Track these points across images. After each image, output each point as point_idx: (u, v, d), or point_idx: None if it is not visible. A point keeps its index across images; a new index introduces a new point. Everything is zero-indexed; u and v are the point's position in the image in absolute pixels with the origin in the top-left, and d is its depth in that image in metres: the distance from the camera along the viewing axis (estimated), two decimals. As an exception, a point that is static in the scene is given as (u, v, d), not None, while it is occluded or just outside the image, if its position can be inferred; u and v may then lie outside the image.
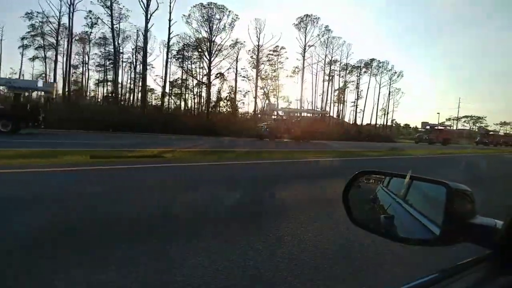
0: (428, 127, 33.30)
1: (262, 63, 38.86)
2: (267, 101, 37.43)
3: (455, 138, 40.14)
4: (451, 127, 33.21)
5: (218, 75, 35.50)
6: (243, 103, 40.89)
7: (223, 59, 34.82)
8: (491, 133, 41.31)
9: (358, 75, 46.02)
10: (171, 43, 32.36)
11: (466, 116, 58.80)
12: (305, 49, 38.32)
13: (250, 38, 43.64)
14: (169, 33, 30.35)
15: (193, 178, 5.01)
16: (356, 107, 46.51)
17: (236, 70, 36.93)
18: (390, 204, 0.62)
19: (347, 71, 45.10)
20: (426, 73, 76.61)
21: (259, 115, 33.68)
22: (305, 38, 38.29)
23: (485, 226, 0.47)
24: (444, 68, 76.76)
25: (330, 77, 43.34)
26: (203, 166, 6.12)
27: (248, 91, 39.69)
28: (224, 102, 38.26)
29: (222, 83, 37.77)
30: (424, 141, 30.22)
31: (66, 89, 31.06)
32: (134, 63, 36.75)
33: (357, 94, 46.74)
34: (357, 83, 46.36)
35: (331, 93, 44.17)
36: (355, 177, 0.69)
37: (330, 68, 43.02)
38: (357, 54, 54.96)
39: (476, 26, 73.18)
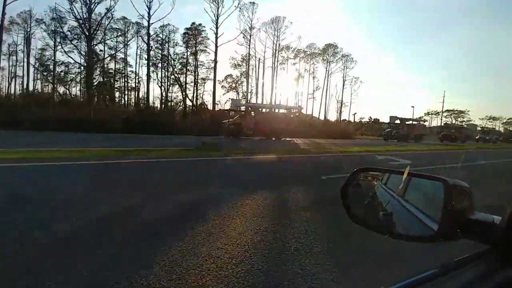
0: (279, 110, 21.25)
1: (173, 43, 32.62)
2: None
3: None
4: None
5: (93, 55, 29.13)
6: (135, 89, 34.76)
7: (115, 37, 29.78)
8: (409, 123, 27.27)
9: (309, 60, 40.13)
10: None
11: (448, 111, 54.49)
12: (217, 24, 30.24)
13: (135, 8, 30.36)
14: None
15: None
16: (313, 99, 42.05)
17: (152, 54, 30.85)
18: (389, 201, 0.62)
19: (300, 58, 39.56)
20: (409, 69, 74.72)
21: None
22: (218, 10, 30.14)
23: (484, 222, 0.48)
24: (428, 64, 74.98)
25: (278, 65, 37.41)
26: None
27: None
28: (106, 90, 33.22)
29: (100, 65, 31.66)
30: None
31: None
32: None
33: (313, 83, 41.46)
34: (312, 71, 41.08)
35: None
36: (354, 174, 0.68)
37: (276, 54, 36.68)
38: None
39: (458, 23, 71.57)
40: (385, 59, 68.84)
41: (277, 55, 37.27)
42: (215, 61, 31.72)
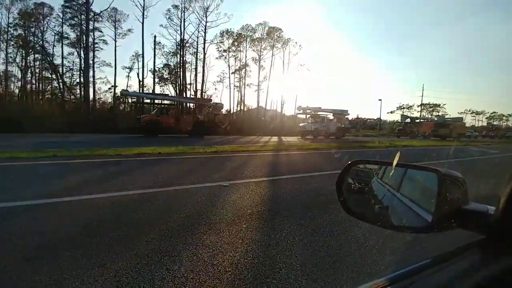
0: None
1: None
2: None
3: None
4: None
5: None
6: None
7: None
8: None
9: (255, 46, 35.16)
10: None
11: (423, 104, 52.04)
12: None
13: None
14: None
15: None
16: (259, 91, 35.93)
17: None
18: (385, 193, 0.62)
19: (240, 42, 34.70)
20: (376, 63, 78.12)
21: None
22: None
23: (478, 212, 0.47)
24: (398, 59, 77.56)
25: (206, 48, 32.96)
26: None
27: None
28: None
29: None
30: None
31: None
32: None
33: (259, 73, 35.93)
34: (258, 58, 35.72)
35: (229, 73, 34.06)
36: (348, 167, 0.67)
37: (205, 37, 32.13)
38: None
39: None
40: (347, 48, 69.34)
41: (205, 37, 33.05)
42: (87, 38, 26.34)
